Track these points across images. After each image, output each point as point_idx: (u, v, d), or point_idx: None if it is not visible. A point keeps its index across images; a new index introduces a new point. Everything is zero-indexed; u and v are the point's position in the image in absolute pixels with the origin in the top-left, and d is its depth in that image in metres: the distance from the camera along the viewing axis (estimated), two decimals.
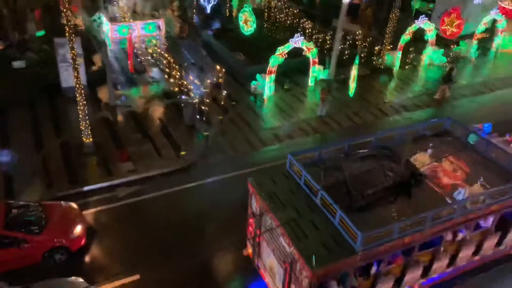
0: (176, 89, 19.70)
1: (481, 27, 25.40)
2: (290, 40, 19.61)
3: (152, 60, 23.15)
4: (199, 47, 25.53)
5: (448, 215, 9.56)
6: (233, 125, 18.38)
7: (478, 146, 12.07)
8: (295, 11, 25.36)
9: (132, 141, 16.67)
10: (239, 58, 23.30)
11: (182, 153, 15.89)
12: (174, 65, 20.46)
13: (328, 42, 22.64)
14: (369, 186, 9.76)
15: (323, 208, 9.39)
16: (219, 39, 25.48)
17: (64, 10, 13.67)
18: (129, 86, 20.62)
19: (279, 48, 19.51)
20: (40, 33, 23.15)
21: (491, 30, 26.61)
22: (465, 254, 11.06)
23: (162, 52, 23.14)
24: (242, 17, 20.10)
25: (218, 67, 19.79)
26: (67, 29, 13.72)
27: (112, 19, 25.74)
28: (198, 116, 18.01)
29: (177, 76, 19.79)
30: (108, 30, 25.46)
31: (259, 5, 30.22)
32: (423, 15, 23.43)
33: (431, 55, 24.57)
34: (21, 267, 11.19)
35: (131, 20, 25.97)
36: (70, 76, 16.87)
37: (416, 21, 22.96)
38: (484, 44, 26.47)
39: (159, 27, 26.29)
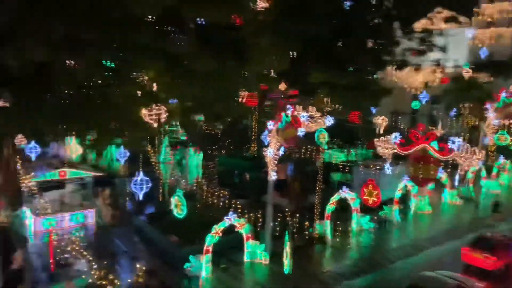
0: (104, 281, 18.16)
1: (397, 193, 27.86)
2: (224, 217, 19.87)
3: (79, 252, 21.75)
4: (131, 234, 24.79)
5: None
6: None
7: None
8: (224, 192, 26.46)
9: None
10: (173, 240, 22.71)
11: None
12: (100, 256, 19.31)
13: (259, 218, 23.26)
14: None
15: None
16: (152, 223, 25.10)
17: None
18: (51, 283, 18.79)
19: (214, 226, 19.51)
20: None
21: (407, 195, 29.16)
22: None
23: (90, 243, 22.03)
24: (173, 201, 20.56)
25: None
26: None
27: (37, 212, 24.80)
28: None
29: (104, 267, 18.51)
30: (31, 224, 24.23)
31: (190, 187, 31.25)
32: (344, 186, 25.44)
33: (358, 221, 25.80)
34: None
35: (57, 212, 25.16)
36: None
37: (339, 191, 24.72)
38: (404, 207, 28.59)
39: (87, 217, 25.61)
